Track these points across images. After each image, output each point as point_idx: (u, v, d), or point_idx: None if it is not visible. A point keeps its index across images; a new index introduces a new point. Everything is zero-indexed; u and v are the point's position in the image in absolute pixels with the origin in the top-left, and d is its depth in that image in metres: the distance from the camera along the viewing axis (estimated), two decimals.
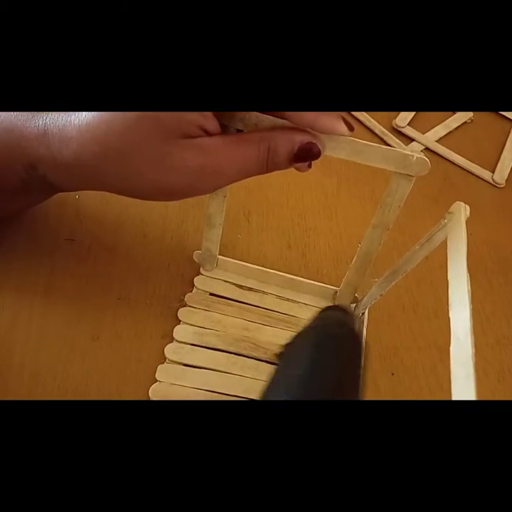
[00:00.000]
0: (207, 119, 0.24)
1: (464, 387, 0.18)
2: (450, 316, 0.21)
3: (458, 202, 0.25)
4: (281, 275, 0.35)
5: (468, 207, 0.24)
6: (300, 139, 0.24)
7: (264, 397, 0.21)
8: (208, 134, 0.24)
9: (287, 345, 0.24)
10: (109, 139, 0.23)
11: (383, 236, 0.29)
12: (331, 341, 0.23)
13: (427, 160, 0.24)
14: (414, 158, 0.24)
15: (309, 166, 0.26)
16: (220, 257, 0.34)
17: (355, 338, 0.25)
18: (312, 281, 0.35)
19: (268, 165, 0.25)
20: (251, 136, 0.25)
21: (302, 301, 0.36)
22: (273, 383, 0.22)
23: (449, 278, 0.22)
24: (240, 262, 0.35)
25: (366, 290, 0.33)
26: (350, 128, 0.24)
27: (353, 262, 0.32)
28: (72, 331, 0.31)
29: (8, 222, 0.34)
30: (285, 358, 0.24)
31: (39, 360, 0.30)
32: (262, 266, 0.35)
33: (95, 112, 0.24)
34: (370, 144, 0.24)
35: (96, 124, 0.24)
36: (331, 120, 0.23)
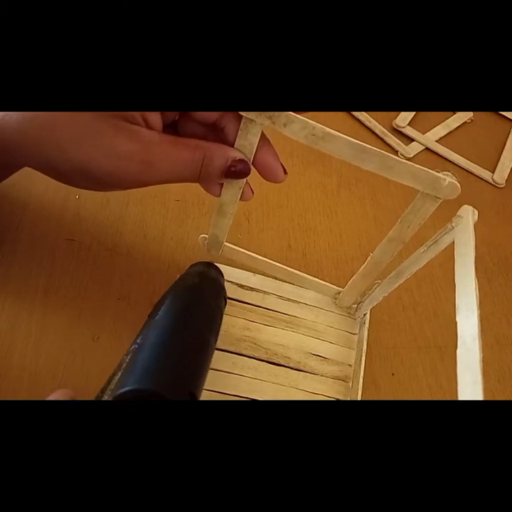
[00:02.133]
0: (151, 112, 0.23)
1: (471, 393, 0.18)
2: (457, 320, 0.21)
3: (466, 205, 0.24)
4: (284, 268, 0.35)
5: (476, 211, 0.24)
6: (233, 155, 0.25)
7: (134, 342, 0.25)
8: (148, 126, 0.24)
9: (155, 304, 0.28)
10: None
11: (397, 249, 0.28)
12: (186, 290, 0.28)
13: (458, 185, 0.23)
14: (446, 182, 0.23)
15: (252, 192, 0.28)
16: (226, 243, 0.33)
17: (210, 285, 0.30)
18: (315, 278, 0.35)
19: (201, 173, 0.25)
20: (188, 141, 0.25)
21: (304, 302, 0.36)
22: (139, 332, 0.26)
23: (456, 282, 0.22)
24: (245, 251, 0.34)
25: (368, 291, 0.33)
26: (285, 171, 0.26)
27: (361, 268, 0.31)
28: (72, 331, 0.31)
29: (8, 222, 0.34)
30: (152, 311, 0.27)
31: (39, 360, 0.30)
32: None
33: None
34: (402, 160, 0.23)
35: None
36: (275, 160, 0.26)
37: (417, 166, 0.23)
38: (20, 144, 0.23)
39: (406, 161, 0.23)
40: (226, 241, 0.33)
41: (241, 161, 0.25)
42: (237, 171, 0.25)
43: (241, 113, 0.23)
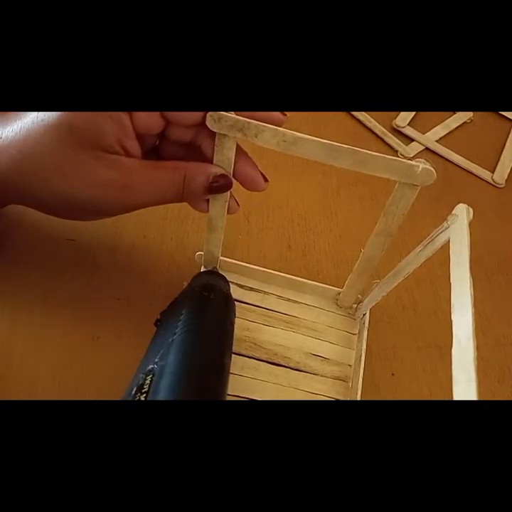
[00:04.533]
0: (128, 137, 0.24)
1: (465, 392, 0.18)
2: (452, 318, 0.21)
3: (461, 204, 0.24)
4: (283, 276, 0.35)
5: (471, 209, 0.24)
6: (214, 171, 0.25)
7: (144, 359, 0.24)
8: (127, 154, 0.25)
9: (162, 313, 0.28)
10: (27, 143, 0.24)
11: (387, 243, 0.28)
12: (201, 305, 0.27)
13: (433, 170, 0.23)
14: (420, 168, 0.23)
15: (238, 205, 0.29)
16: (222, 258, 0.34)
17: (221, 299, 0.29)
18: (314, 283, 0.35)
19: (184, 192, 0.25)
20: (167, 164, 0.25)
21: (303, 302, 0.36)
22: (151, 347, 0.25)
23: (451, 280, 0.22)
24: (243, 264, 0.35)
25: (368, 291, 0.33)
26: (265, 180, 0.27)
27: (355, 266, 0.31)
28: (72, 331, 0.31)
29: (8, 222, 0.34)
30: (162, 325, 0.27)
31: (39, 360, 0.30)
32: (262, 266, 0.35)
33: (26, 123, 0.24)
34: (373, 153, 0.23)
35: (18, 130, 0.24)
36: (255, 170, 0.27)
37: (389, 157, 0.23)
38: (8, 185, 0.24)
39: (377, 154, 0.23)
40: (226, 241, 0.33)
41: (222, 176, 0.25)
42: (219, 185, 0.25)
43: (213, 130, 0.23)
